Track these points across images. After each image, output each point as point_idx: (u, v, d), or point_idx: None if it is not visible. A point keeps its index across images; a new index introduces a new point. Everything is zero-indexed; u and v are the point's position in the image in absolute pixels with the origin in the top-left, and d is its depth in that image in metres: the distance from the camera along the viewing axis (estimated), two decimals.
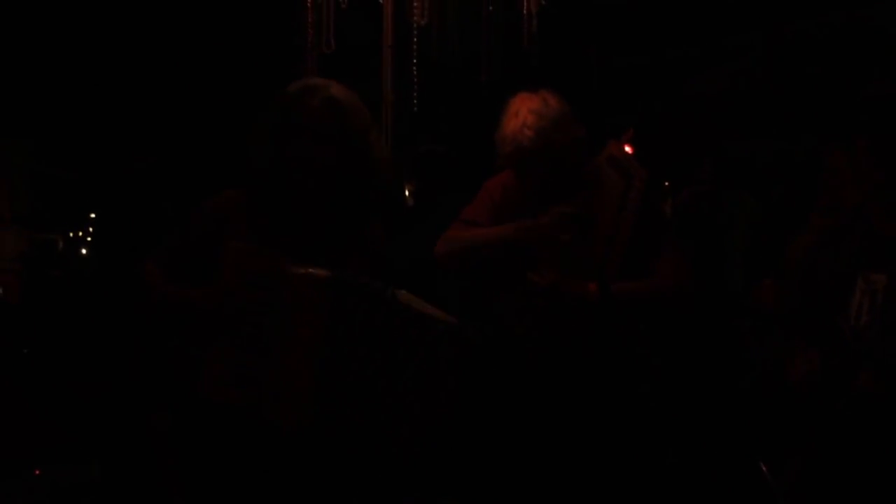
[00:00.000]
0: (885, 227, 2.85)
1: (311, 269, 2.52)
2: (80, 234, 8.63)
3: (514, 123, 3.28)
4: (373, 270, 2.72)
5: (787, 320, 3.11)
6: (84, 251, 8.52)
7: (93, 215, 8.78)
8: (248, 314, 2.50)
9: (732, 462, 3.90)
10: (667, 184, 6.26)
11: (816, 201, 3.70)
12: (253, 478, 2.63)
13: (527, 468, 3.36)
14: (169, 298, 2.69)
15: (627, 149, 3.52)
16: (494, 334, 3.38)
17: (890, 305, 2.76)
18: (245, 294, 2.50)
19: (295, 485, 2.65)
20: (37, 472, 3.81)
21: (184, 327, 2.64)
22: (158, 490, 3.77)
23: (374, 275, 2.67)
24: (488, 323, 3.40)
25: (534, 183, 3.37)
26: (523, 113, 3.28)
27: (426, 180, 4.97)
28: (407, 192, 5.40)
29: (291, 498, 2.66)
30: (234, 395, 2.50)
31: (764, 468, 3.08)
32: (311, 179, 2.65)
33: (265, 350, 2.50)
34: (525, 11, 4.23)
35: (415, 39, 4.36)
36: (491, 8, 4.35)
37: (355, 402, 2.53)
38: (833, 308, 2.87)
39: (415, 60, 4.41)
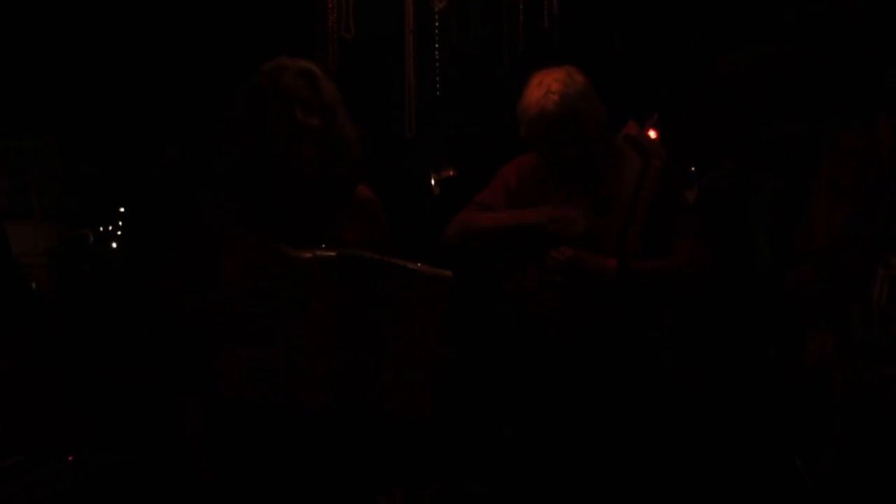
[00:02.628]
0: None
1: (318, 252, 2.53)
2: (111, 228, 8.72)
3: (537, 92, 3.29)
4: (367, 237, 2.75)
5: (807, 305, 3.09)
6: (114, 245, 8.60)
7: (122, 209, 8.87)
8: (257, 309, 2.50)
9: (761, 448, 3.89)
10: (693, 169, 6.23)
11: (823, 183, 3.70)
12: (285, 461, 2.66)
13: (550, 448, 3.37)
14: (179, 307, 2.68)
15: (652, 133, 3.52)
16: (513, 313, 3.39)
17: None
18: (251, 289, 2.50)
19: (325, 463, 2.68)
20: (70, 458, 3.84)
21: (197, 335, 2.63)
22: (190, 476, 3.80)
23: (371, 239, 2.71)
24: (506, 302, 3.41)
25: (553, 156, 3.37)
26: (547, 82, 3.29)
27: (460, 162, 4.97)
28: (433, 181, 5.42)
29: (324, 475, 2.69)
30: (253, 391, 2.50)
31: (794, 458, 3.07)
32: (297, 153, 2.61)
33: (282, 339, 2.50)
34: None
35: (436, 24, 4.36)
36: None
37: (374, 371, 2.56)
38: (853, 293, 2.85)
39: (436, 45, 4.41)
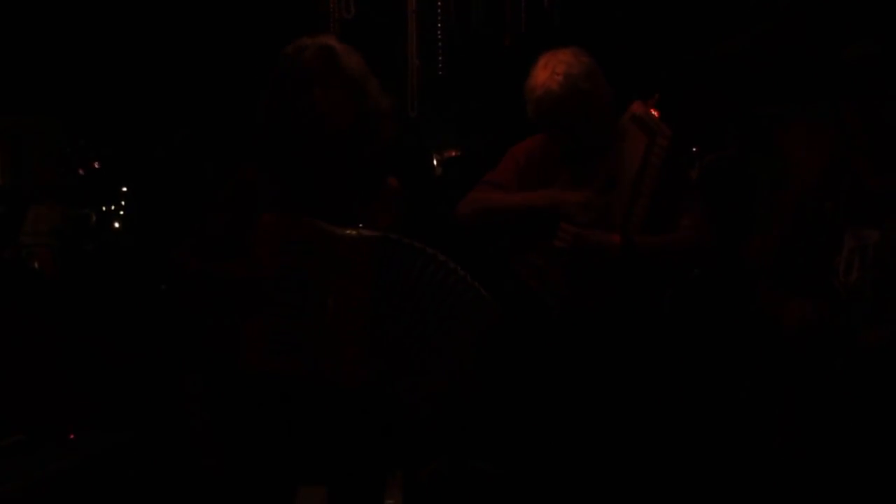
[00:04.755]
0: (872, 182, 2.84)
1: (359, 230, 2.55)
2: (113, 208, 8.73)
3: (544, 73, 3.31)
4: (396, 224, 2.76)
5: (770, 274, 3.11)
6: (116, 225, 8.62)
7: (124, 189, 8.87)
8: (287, 282, 2.52)
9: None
10: (694, 149, 6.24)
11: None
12: (307, 437, 2.68)
13: (554, 426, 3.39)
14: (203, 275, 2.68)
15: (653, 113, 3.53)
16: (518, 290, 3.41)
17: (884, 261, 2.75)
18: (283, 263, 2.52)
19: (349, 440, 2.69)
20: (71, 436, 3.85)
21: (219, 304, 2.64)
22: (192, 456, 3.82)
23: (398, 227, 2.71)
24: (512, 279, 3.43)
25: (559, 136, 3.39)
26: (553, 63, 3.30)
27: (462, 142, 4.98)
28: (435, 161, 5.41)
29: (345, 453, 2.71)
30: (277, 364, 2.52)
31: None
32: (325, 131, 2.65)
33: (312, 313, 2.52)
34: None
35: (438, 4, 4.36)
36: None
37: (406, 355, 2.59)
38: (819, 262, 2.87)
39: (439, 25, 4.41)
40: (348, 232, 2.55)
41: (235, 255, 2.59)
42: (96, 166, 9.18)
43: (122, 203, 8.74)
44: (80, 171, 9.31)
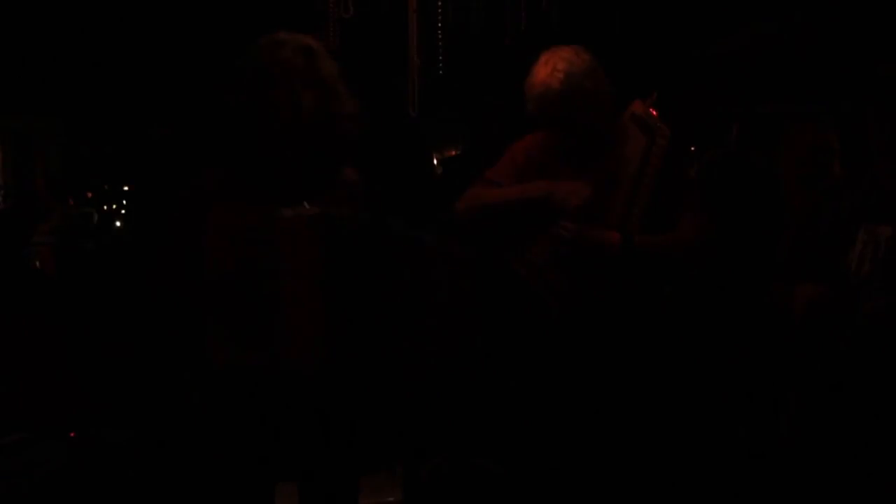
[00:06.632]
0: (889, 183, 2.88)
1: (301, 210, 2.53)
2: (114, 206, 8.74)
3: (544, 70, 3.32)
4: (352, 208, 2.75)
5: (783, 268, 3.14)
6: (118, 223, 8.62)
7: (126, 188, 8.89)
8: (243, 273, 2.51)
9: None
10: (693, 148, 6.23)
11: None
12: (279, 428, 2.67)
13: (555, 424, 3.40)
14: (169, 283, 2.68)
15: (653, 112, 3.54)
16: (519, 286, 3.42)
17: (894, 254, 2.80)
18: (237, 253, 2.51)
19: (320, 427, 2.69)
20: (72, 434, 3.87)
21: (185, 307, 2.64)
22: (192, 453, 3.83)
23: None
24: (512, 275, 3.44)
25: (559, 134, 3.40)
26: (554, 60, 3.32)
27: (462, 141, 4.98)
28: (435, 161, 5.42)
29: (320, 442, 2.71)
30: (238, 357, 2.52)
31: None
32: (300, 126, 2.63)
33: (266, 301, 2.50)
34: None
35: (439, 3, 4.37)
36: None
37: (366, 331, 2.57)
38: (832, 257, 2.91)
39: (439, 24, 4.42)
40: (288, 211, 2.52)
41: (197, 252, 2.56)
42: (89, 196, 9.17)
43: (124, 202, 8.76)
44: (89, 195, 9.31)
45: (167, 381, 4.29)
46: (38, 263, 7.02)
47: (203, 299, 2.53)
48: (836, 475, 2.89)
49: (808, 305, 2.88)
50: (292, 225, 2.51)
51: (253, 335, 2.52)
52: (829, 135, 4.38)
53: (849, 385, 2.85)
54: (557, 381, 3.39)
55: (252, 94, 2.62)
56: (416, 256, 2.62)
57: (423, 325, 2.61)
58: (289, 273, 2.51)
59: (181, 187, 2.74)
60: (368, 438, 2.78)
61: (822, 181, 4.09)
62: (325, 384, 2.62)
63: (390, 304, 2.58)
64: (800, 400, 2.99)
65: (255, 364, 2.54)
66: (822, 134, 4.39)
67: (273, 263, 2.50)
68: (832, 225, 2.95)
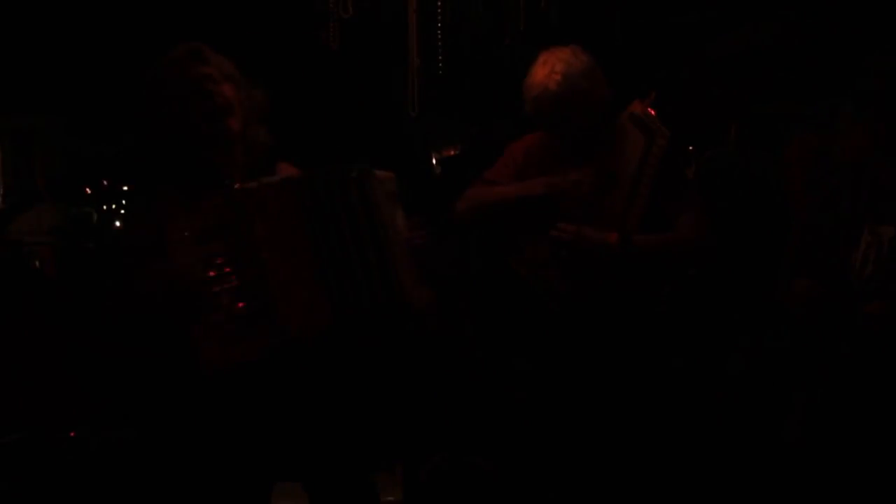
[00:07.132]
0: (890, 183, 2.89)
1: (260, 181, 2.55)
2: (114, 206, 8.72)
3: (542, 71, 3.34)
4: None
5: (788, 264, 3.16)
6: (118, 223, 8.59)
7: (125, 188, 8.86)
8: (216, 267, 2.48)
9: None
10: (691, 148, 6.23)
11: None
12: (279, 426, 2.67)
13: (553, 422, 3.40)
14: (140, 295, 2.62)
15: (651, 113, 3.54)
16: (517, 287, 3.42)
17: None
18: (205, 253, 2.48)
19: (325, 418, 2.70)
20: (72, 434, 3.87)
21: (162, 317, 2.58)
22: (192, 452, 3.83)
23: None
24: (511, 275, 3.45)
25: (557, 134, 3.41)
26: (552, 61, 3.33)
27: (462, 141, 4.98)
28: (434, 161, 5.41)
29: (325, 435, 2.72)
30: (237, 353, 2.48)
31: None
32: (225, 128, 2.64)
33: (252, 282, 2.48)
34: None
35: (438, 3, 4.37)
36: None
37: (354, 279, 2.58)
38: (836, 257, 2.92)
39: (439, 24, 4.41)
40: (251, 185, 2.53)
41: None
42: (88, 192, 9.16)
43: (123, 202, 8.74)
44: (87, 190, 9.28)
45: (165, 381, 4.29)
46: (37, 263, 7.02)
47: (180, 308, 2.48)
48: (836, 475, 2.90)
49: (804, 300, 2.90)
50: (263, 194, 2.52)
51: (243, 324, 2.48)
52: (834, 136, 4.39)
53: (849, 385, 2.86)
54: (557, 380, 3.40)
55: (175, 106, 2.62)
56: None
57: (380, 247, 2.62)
58: (271, 242, 2.50)
59: (137, 205, 2.73)
60: (372, 432, 2.77)
61: (827, 183, 4.10)
62: (330, 353, 2.61)
63: (356, 241, 2.59)
64: (805, 400, 2.99)
65: (258, 353, 2.50)
66: (826, 136, 4.40)
67: (249, 239, 2.49)
68: (836, 226, 2.96)
